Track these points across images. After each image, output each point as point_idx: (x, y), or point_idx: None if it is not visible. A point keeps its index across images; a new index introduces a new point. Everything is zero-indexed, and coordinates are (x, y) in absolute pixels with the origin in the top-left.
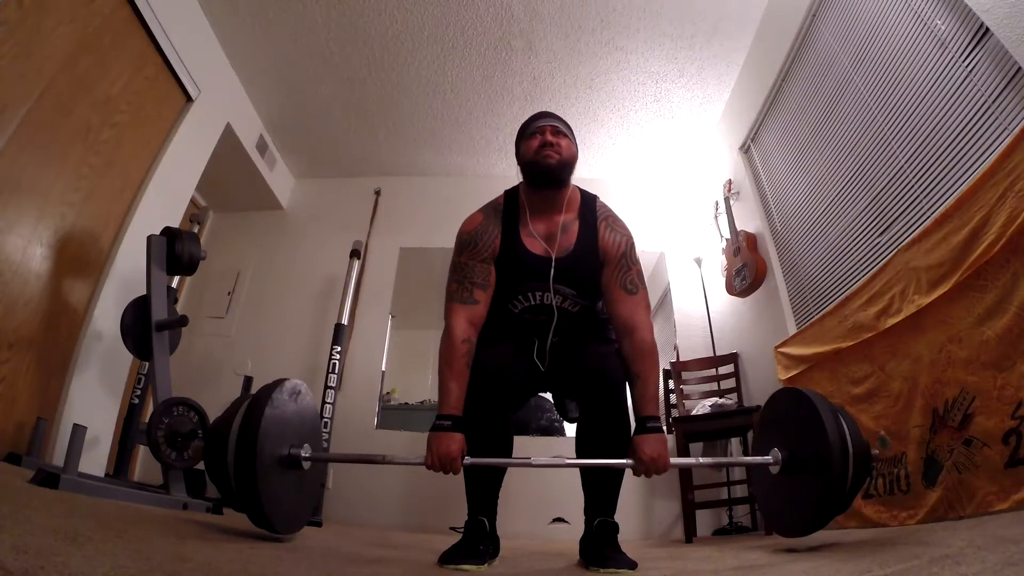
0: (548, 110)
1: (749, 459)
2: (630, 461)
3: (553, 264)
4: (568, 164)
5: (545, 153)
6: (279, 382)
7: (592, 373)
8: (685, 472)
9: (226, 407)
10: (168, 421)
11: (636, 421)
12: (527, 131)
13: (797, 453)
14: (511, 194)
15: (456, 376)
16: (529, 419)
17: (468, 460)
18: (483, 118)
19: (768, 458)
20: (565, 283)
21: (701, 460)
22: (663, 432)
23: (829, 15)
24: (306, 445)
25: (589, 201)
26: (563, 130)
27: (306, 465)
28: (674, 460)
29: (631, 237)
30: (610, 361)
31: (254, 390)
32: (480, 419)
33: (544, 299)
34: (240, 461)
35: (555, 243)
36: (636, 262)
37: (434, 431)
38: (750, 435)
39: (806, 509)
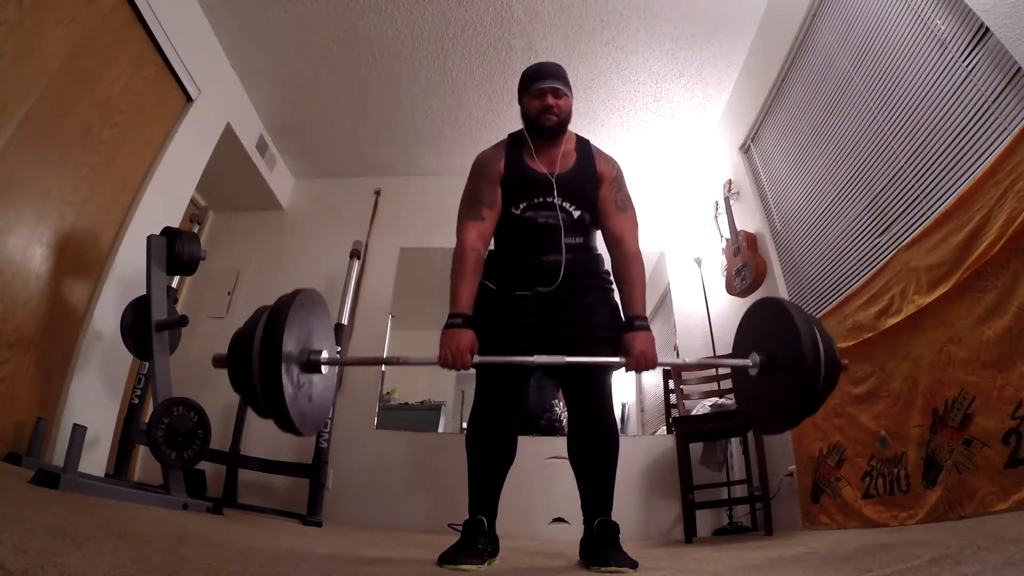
0: (547, 61)
1: (731, 361)
2: (621, 360)
3: (555, 180)
4: (565, 121)
5: (546, 116)
6: (296, 292)
7: (579, 372)
8: (685, 472)
9: (225, 408)
10: (168, 421)
11: (625, 320)
12: (530, 87)
13: (774, 356)
14: (514, 134)
15: (466, 280)
16: (529, 418)
17: (477, 359)
18: (483, 118)
19: (748, 361)
20: (566, 198)
21: (688, 361)
22: (650, 331)
23: (829, 15)
24: (324, 351)
25: (584, 140)
26: (563, 90)
27: (324, 369)
28: (662, 359)
29: (621, 168)
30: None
31: None
32: (498, 388)
33: (546, 199)
34: (265, 367)
35: (554, 166)
36: (625, 186)
37: (447, 328)
38: (750, 435)
39: (781, 408)
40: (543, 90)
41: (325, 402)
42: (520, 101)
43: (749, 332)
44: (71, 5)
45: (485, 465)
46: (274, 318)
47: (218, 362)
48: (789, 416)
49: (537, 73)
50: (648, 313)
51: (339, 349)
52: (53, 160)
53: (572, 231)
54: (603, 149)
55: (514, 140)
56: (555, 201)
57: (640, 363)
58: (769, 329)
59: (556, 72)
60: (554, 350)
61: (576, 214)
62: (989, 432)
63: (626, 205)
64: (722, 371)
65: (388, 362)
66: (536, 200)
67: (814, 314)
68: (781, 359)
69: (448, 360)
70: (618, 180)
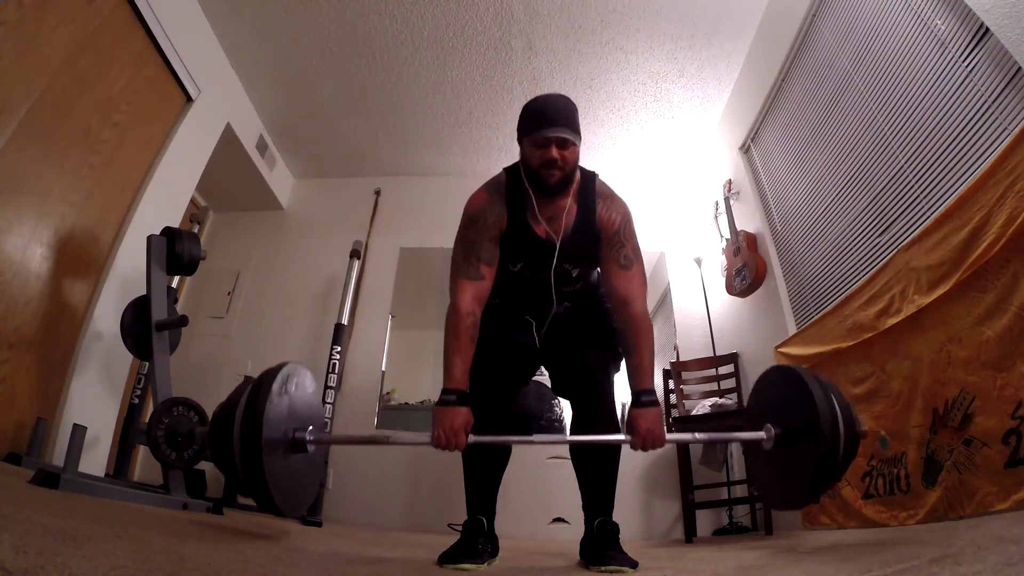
0: (555, 97)
1: (743, 435)
2: (627, 437)
3: (557, 247)
4: (571, 174)
5: (549, 172)
6: (281, 366)
7: (582, 380)
8: (685, 472)
9: None
10: (168, 421)
11: (631, 395)
12: (532, 132)
13: (789, 428)
14: (512, 172)
15: (461, 351)
16: (529, 419)
17: (472, 438)
18: (483, 118)
19: (761, 434)
20: (566, 259)
21: (697, 436)
22: (659, 406)
23: (829, 15)
24: (310, 428)
25: (588, 181)
26: (571, 139)
27: (310, 448)
28: (670, 436)
29: (627, 213)
30: (600, 368)
31: None
32: (486, 395)
33: (546, 261)
34: (245, 446)
35: (558, 225)
36: (631, 237)
37: (439, 405)
38: None
39: (799, 482)
40: (547, 139)
41: (312, 480)
42: (520, 142)
43: (762, 402)
44: (71, 5)
45: (480, 466)
46: (254, 399)
47: (203, 435)
48: (808, 492)
49: (542, 117)
50: (644, 287)
51: (339, 349)
52: (53, 160)
53: (570, 283)
54: (610, 192)
55: (512, 185)
56: (554, 263)
57: (647, 442)
58: (783, 399)
59: (564, 117)
60: (556, 364)
61: (575, 272)
62: (989, 432)
63: (630, 261)
64: (722, 371)
65: (377, 441)
66: (535, 261)
67: (814, 314)
68: (797, 431)
69: (441, 441)
70: (621, 233)
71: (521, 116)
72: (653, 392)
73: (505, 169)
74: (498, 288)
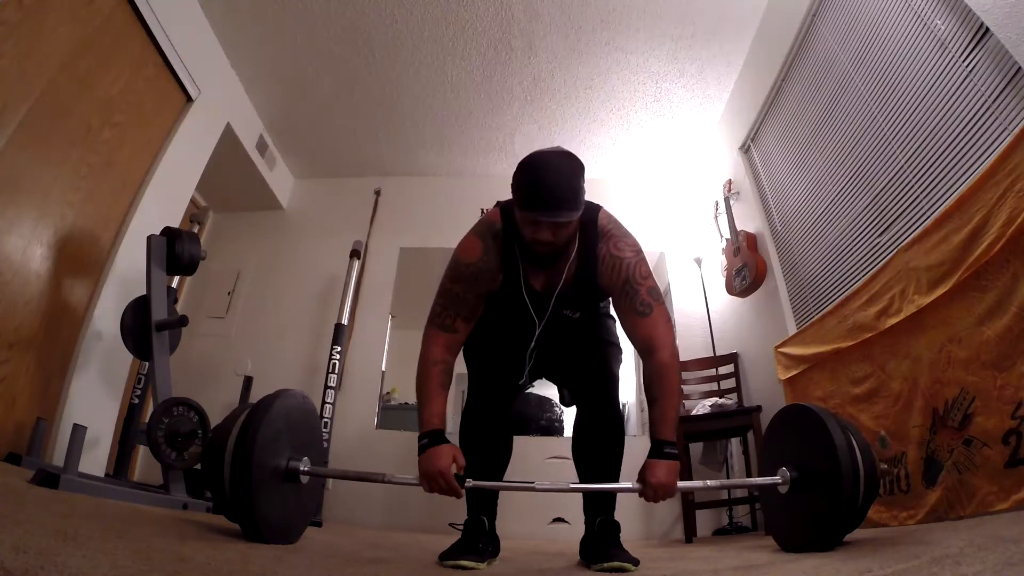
0: (555, 164)
1: (757, 480)
2: (637, 485)
3: (554, 299)
4: (566, 245)
5: (540, 246)
6: (279, 393)
7: (583, 365)
8: (685, 472)
9: (225, 408)
10: (168, 421)
11: (651, 443)
12: (525, 213)
13: (807, 471)
14: (508, 217)
15: (431, 397)
16: (529, 419)
17: (471, 483)
18: (483, 118)
19: (776, 478)
20: (566, 308)
21: (709, 483)
22: (678, 459)
23: (829, 15)
24: (305, 459)
25: (590, 217)
26: (565, 222)
27: (304, 479)
28: (681, 484)
29: (636, 255)
30: (604, 351)
31: (254, 391)
32: (479, 425)
33: (541, 313)
34: (236, 473)
35: (556, 279)
36: (645, 279)
37: (420, 454)
38: (750, 435)
39: (819, 527)
40: (542, 224)
41: (304, 510)
42: (514, 204)
43: (776, 444)
44: (71, 5)
45: (482, 465)
46: (245, 429)
47: (195, 458)
48: (828, 537)
49: (537, 197)
50: (669, 329)
51: (339, 349)
52: (53, 160)
53: (569, 319)
54: (614, 230)
55: (509, 235)
56: (551, 311)
57: (658, 494)
58: (799, 440)
59: (563, 197)
60: (556, 369)
61: (576, 315)
62: (989, 432)
63: (649, 306)
64: (722, 370)
65: (373, 479)
66: (530, 311)
67: (814, 314)
68: (814, 475)
69: (431, 486)
70: (630, 283)
71: (516, 178)
72: (674, 444)
73: (500, 208)
74: (491, 321)
